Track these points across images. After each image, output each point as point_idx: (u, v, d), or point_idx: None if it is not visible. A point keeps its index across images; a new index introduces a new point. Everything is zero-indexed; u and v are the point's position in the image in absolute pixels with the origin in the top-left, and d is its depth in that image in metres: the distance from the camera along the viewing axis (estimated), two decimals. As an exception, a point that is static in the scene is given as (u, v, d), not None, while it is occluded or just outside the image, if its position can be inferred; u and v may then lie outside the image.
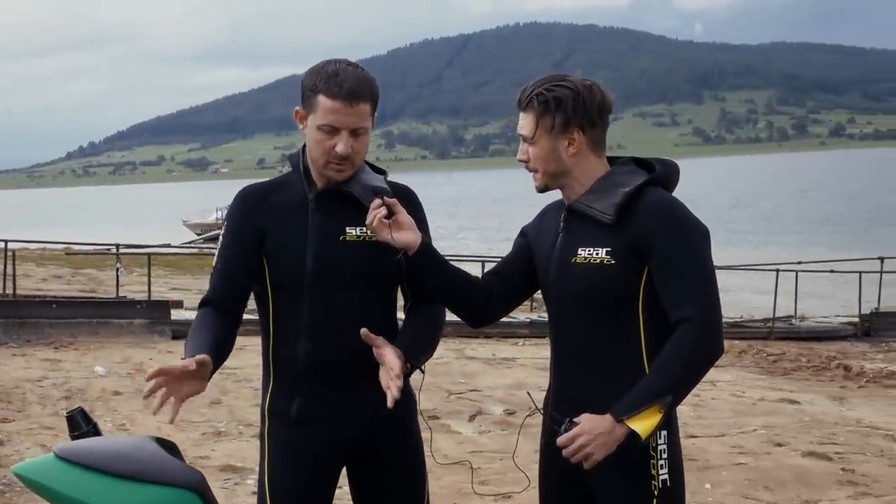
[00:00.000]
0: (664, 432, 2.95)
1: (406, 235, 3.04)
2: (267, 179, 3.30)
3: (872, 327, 19.28)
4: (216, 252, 3.20)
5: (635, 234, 2.93)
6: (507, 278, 3.22)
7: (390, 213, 3.02)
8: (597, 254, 2.97)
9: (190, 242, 48.32)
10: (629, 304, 2.96)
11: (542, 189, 3.10)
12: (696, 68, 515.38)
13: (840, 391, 12.68)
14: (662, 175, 3.05)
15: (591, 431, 2.85)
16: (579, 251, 3.00)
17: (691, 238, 2.93)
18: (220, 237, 3.20)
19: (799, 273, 19.62)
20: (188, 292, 21.46)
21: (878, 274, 20.25)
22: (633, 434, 2.84)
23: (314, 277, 3.09)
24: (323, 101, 3.03)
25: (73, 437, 2.87)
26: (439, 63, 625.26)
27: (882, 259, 20.32)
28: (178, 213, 69.19)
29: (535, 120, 3.00)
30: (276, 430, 3.19)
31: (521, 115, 3.05)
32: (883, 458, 8.57)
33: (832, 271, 21.82)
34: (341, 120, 3.03)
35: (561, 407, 3.06)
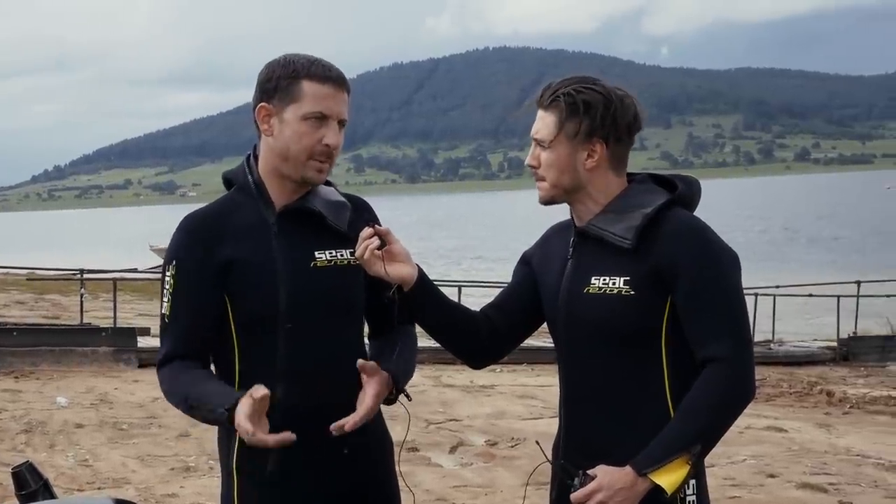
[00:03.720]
0: (693, 481, 2.61)
1: (402, 269, 2.66)
2: (205, 205, 2.87)
3: (850, 352, 19.11)
4: (165, 299, 2.75)
5: (657, 261, 2.58)
6: (509, 311, 2.85)
7: (382, 243, 2.65)
8: (613, 283, 2.62)
9: (157, 267, 47.75)
10: (650, 339, 2.61)
11: (547, 201, 2.74)
12: (663, 93, 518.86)
13: (825, 418, 12.45)
14: (685, 194, 2.71)
15: (609, 487, 2.50)
16: (592, 280, 2.65)
17: (721, 266, 2.60)
18: (167, 282, 2.76)
19: (776, 297, 19.40)
20: (156, 318, 20.92)
21: (855, 298, 20.11)
22: (657, 489, 2.50)
23: (288, 312, 2.71)
24: (310, 86, 2.69)
25: (21, 498, 2.47)
26: (409, 87, 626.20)
27: (859, 283, 20.16)
28: (146, 237, 68.52)
29: (559, 122, 2.64)
30: (247, 490, 2.76)
31: (541, 114, 2.68)
32: (879, 490, 8.34)
33: (811, 295, 21.65)
34: (332, 107, 2.70)
35: (573, 455, 2.70)
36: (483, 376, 14.60)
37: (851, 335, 19.62)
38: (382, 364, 2.77)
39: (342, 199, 2.86)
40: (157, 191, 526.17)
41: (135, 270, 28.25)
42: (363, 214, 2.87)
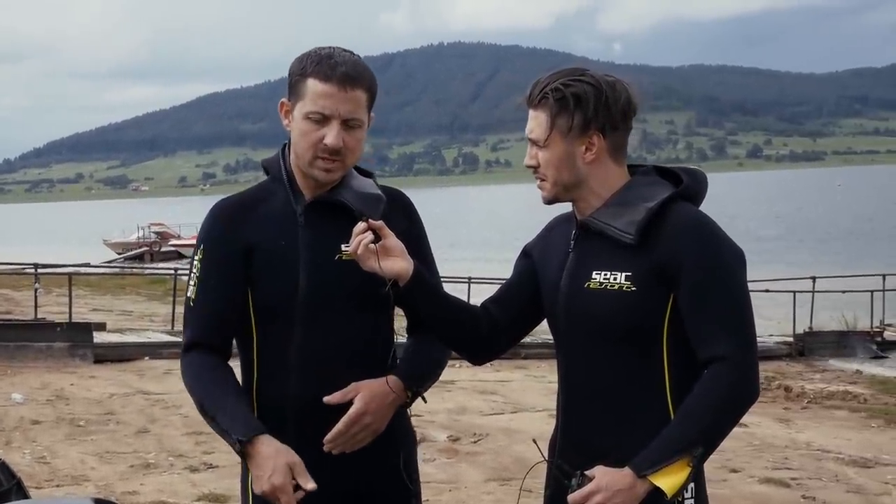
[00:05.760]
0: (691, 485, 2.53)
1: (396, 264, 2.60)
2: (239, 192, 2.86)
3: (807, 347, 19.29)
4: (192, 282, 2.74)
5: (661, 257, 2.51)
6: (509, 305, 2.77)
7: (377, 238, 2.59)
8: (615, 278, 2.54)
9: (112, 261, 47.27)
10: (652, 337, 2.55)
11: (551, 201, 2.66)
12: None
13: (784, 412, 12.54)
14: (691, 188, 2.63)
15: (608, 488, 2.43)
16: (594, 275, 2.58)
17: (726, 263, 2.52)
18: (195, 266, 2.75)
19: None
20: (110, 313, 20.76)
21: (811, 294, 20.28)
22: (657, 492, 2.44)
23: (307, 302, 2.68)
24: (313, 84, 2.63)
25: (-6, 498, 2.39)
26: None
27: (814, 279, 20.36)
28: (98, 231, 67.86)
29: (550, 119, 2.57)
30: None
31: (532, 113, 2.61)
32: (840, 484, 8.39)
33: (767, 290, 21.79)
34: (332, 106, 2.63)
35: (570, 453, 2.63)
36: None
37: (807, 331, 19.81)
38: (401, 362, 2.77)
39: (378, 191, 2.81)
40: (109, 185, 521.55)
41: (88, 265, 27.95)
42: (400, 208, 2.84)
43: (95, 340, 15.03)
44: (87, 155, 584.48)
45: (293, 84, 2.69)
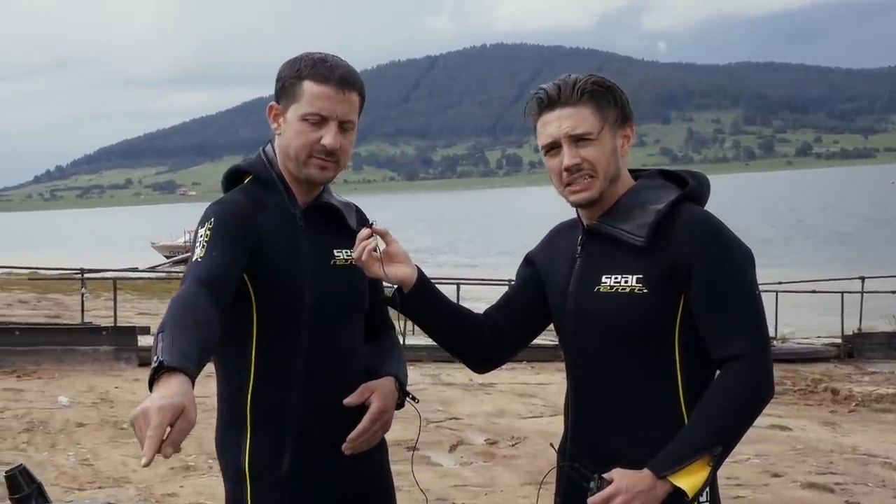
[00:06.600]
0: (706, 487, 2.51)
1: (401, 269, 2.61)
2: (230, 193, 2.77)
3: (855, 348, 18.92)
4: (197, 248, 2.57)
5: (671, 258, 2.52)
6: (513, 312, 2.78)
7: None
8: (626, 281, 2.55)
9: (158, 266, 47.78)
10: (664, 338, 2.55)
11: (595, 199, 2.62)
12: (662, 88, 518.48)
13: (830, 416, 12.32)
14: (696, 190, 2.65)
15: (628, 490, 2.42)
16: (603, 279, 2.58)
17: (735, 262, 2.53)
18: (203, 235, 2.59)
19: (779, 293, 19.22)
20: (156, 317, 20.91)
21: (860, 294, 19.93)
22: (677, 492, 2.42)
23: (313, 308, 2.67)
24: (310, 86, 2.65)
25: (14, 502, 2.40)
26: (406, 85, 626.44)
27: (863, 279, 19.94)
28: (147, 236, 68.63)
29: (600, 112, 2.58)
30: (260, 492, 2.69)
31: (567, 112, 2.58)
32: (886, 490, 8.22)
33: (814, 291, 21.47)
34: (331, 108, 2.65)
35: (581, 458, 2.62)
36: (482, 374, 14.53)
37: (856, 332, 19.39)
38: (384, 369, 2.80)
39: (346, 200, 2.87)
40: (158, 190, 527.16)
41: (135, 270, 28.23)
42: (361, 217, 2.89)
43: (140, 344, 15.15)
44: (136, 161, 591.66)
45: (286, 87, 2.69)
